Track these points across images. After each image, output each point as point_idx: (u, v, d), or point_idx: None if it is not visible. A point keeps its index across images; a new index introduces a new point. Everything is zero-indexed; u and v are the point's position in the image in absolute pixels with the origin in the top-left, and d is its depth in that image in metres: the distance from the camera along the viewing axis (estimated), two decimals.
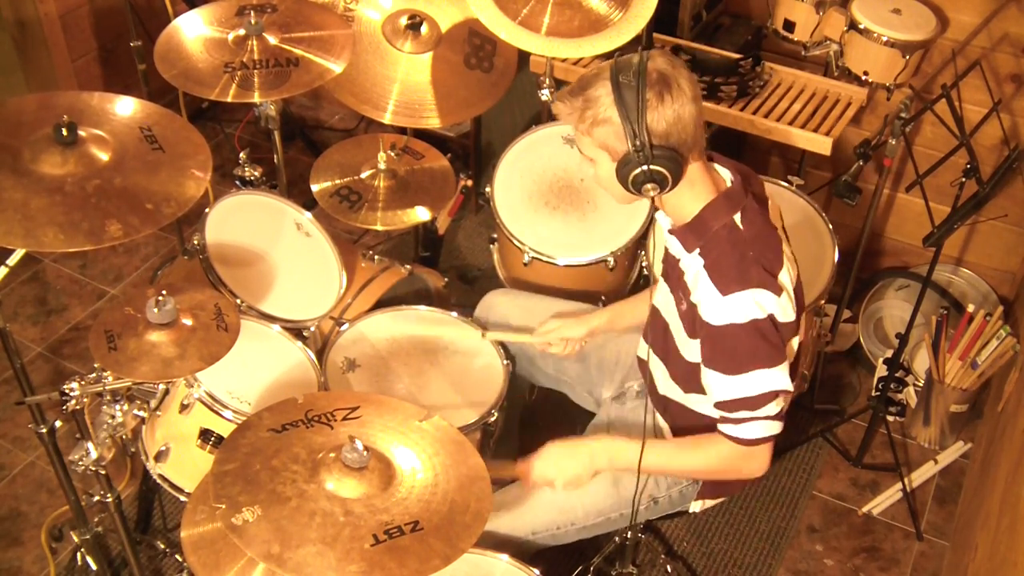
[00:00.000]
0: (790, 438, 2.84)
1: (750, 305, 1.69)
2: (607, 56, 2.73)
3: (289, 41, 2.31)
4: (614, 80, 1.63)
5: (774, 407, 1.76)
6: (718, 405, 1.79)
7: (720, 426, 1.81)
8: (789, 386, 1.77)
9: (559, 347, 2.18)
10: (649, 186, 1.66)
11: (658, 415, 2.04)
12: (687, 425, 1.96)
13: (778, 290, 1.71)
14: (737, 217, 1.74)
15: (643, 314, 2.02)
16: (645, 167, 1.63)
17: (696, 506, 2.07)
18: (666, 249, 1.88)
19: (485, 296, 2.39)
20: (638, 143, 1.62)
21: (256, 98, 2.23)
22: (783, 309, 1.72)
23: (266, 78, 2.23)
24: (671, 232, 1.82)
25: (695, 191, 1.74)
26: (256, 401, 2.10)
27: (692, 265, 1.76)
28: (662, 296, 1.94)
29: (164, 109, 1.89)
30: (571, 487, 1.91)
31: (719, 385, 1.77)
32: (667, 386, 1.97)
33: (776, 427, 1.79)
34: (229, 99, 2.20)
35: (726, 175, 1.79)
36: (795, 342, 1.84)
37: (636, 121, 1.61)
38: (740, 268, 1.70)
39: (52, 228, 1.60)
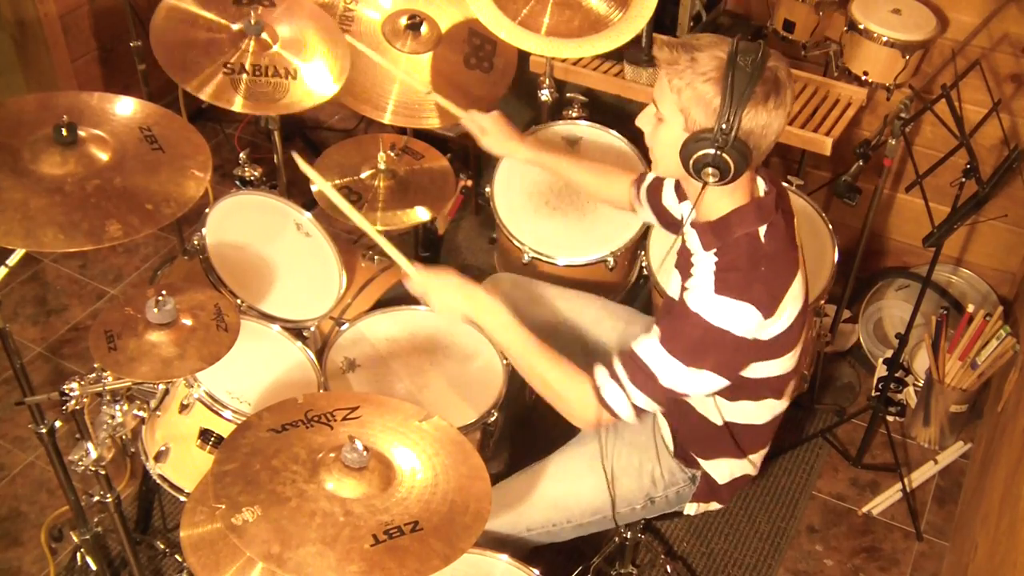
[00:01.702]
0: (790, 438, 2.84)
1: (733, 315, 1.67)
2: (607, 57, 2.74)
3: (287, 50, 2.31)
4: (731, 57, 1.60)
5: (647, 400, 1.75)
6: (626, 358, 1.76)
7: (599, 367, 1.79)
8: (700, 392, 1.77)
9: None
10: (709, 171, 1.64)
11: (658, 413, 2.04)
12: (687, 425, 1.96)
13: (770, 313, 1.68)
14: (762, 230, 1.71)
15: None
16: (718, 152, 1.61)
17: (691, 508, 2.06)
18: (683, 240, 1.86)
19: (491, 276, 2.37)
20: (724, 126, 1.60)
21: (238, 107, 2.21)
22: (763, 329, 1.70)
23: (263, 88, 2.23)
24: (692, 225, 1.80)
25: (733, 194, 1.72)
26: (256, 401, 2.10)
27: (704, 262, 1.74)
28: (674, 286, 1.92)
29: (164, 109, 1.89)
30: (436, 312, 1.95)
31: (663, 361, 1.73)
32: None
33: (631, 416, 1.78)
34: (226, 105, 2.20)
35: (762, 186, 1.78)
36: (791, 356, 1.81)
37: (734, 106, 1.59)
38: (746, 280, 1.68)
39: (52, 228, 1.60)
